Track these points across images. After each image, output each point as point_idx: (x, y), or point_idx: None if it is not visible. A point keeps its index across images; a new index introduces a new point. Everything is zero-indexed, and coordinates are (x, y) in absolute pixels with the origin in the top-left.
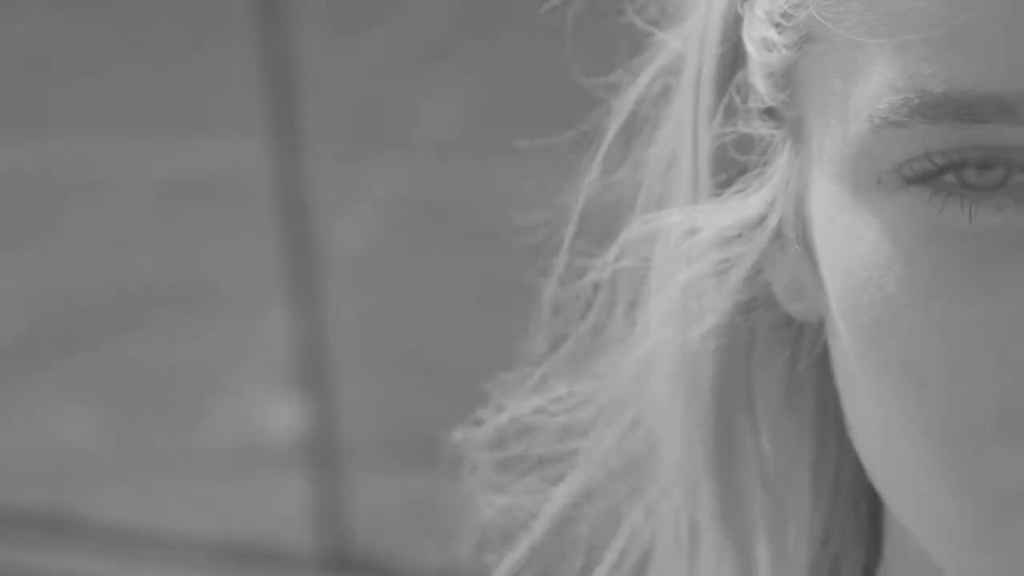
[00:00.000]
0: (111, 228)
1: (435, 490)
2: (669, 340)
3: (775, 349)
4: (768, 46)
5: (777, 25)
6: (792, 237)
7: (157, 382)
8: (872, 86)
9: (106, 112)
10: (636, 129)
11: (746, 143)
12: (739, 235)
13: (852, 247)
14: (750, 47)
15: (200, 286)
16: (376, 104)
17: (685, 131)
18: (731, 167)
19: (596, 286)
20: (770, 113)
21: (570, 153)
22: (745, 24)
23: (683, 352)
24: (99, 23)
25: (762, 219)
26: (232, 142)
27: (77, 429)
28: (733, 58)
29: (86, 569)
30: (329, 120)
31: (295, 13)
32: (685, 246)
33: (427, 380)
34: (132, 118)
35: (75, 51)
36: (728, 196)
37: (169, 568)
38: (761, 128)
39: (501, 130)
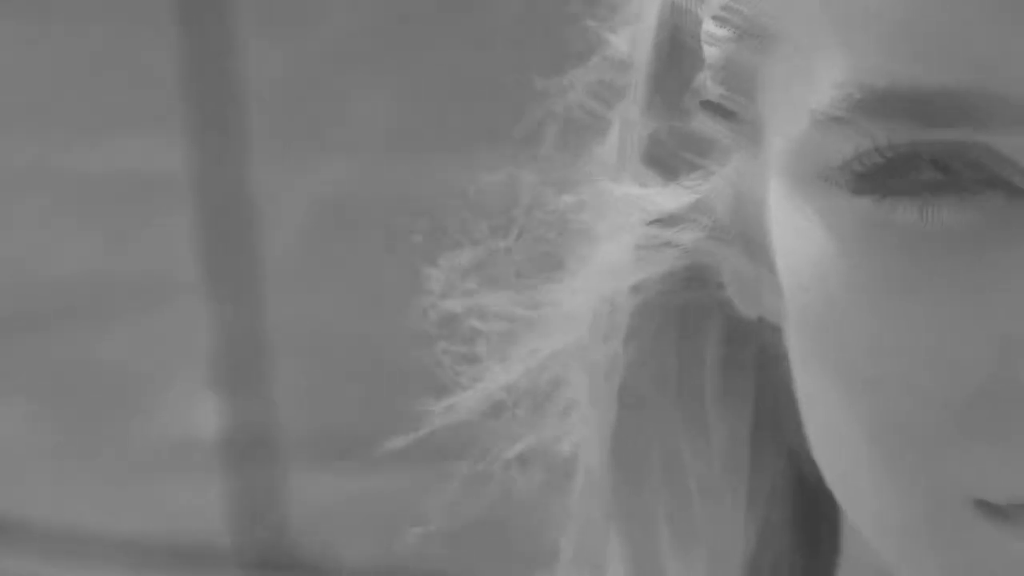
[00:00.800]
0: (38, 224)
1: (369, 488)
2: (585, 306)
3: (706, 341)
4: (710, 40)
5: (718, 19)
6: (732, 233)
7: (84, 380)
8: (816, 81)
9: (30, 108)
10: (583, 127)
11: (687, 139)
12: (674, 220)
13: (798, 246)
14: (691, 42)
15: (129, 283)
16: (309, 101)
17: (630, 129)
18: (670, 163)
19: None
20: (712, 108)
21: (508, 151)
22: (687, 18)
23: (596, 323)
24: (24, 18)
25: (698, 211)
26: (162, 139)
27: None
28: (675, 53)
29: (8, 569)
30: (261, 117)
31: (224, 9)
32: (620, 218)
33: (360, 377)
34: (58, 114)
35: None
36: (670, 184)
37: (96, 567)
38: (703, 124)
39: (435, 128)
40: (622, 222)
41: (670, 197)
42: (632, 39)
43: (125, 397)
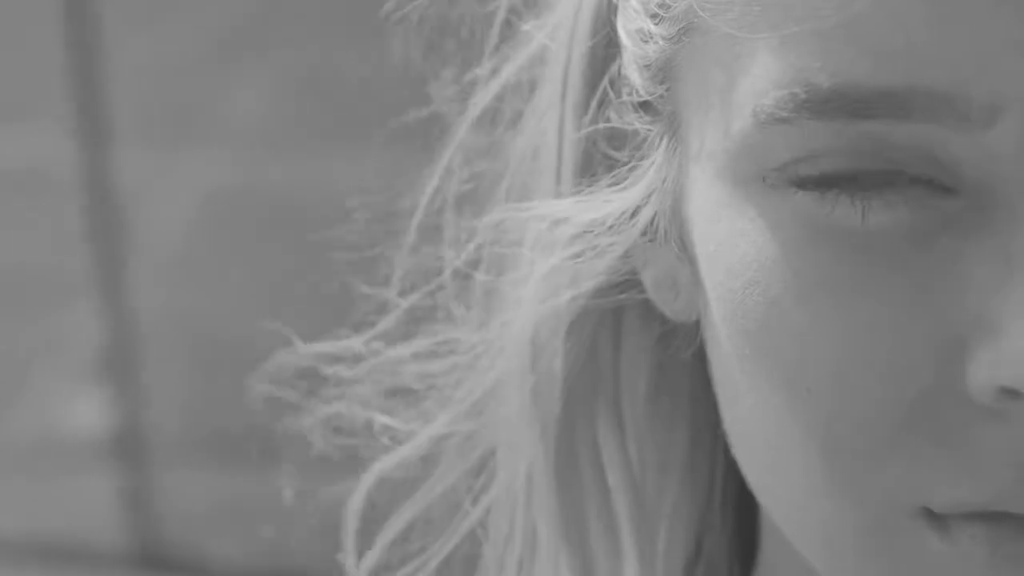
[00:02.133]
0: None
1: (247, 486)
2: (525, 323)
3: (642, 347)
4: (644, 37)
5: (654, 16)
6: (668, 236)
7: None
8: (756, 80)
9: None
10: (492, 120)
11: (618, 137)
12: (608, 228)
13: (736, 247)
14: (625, 38)
15: (4, 277)
16: (187, 95)
17: (550, 125)
18: (600, 162)
19: (451, 275)
20: (645, 107)
21: (389, 146)
22: (619, 14)
23: (537, 335)
24: None
25: (633, 214)
26: (39, 132)
27: None
28: (605, 50)
29: None
30: (139, 111)
31: (103, 3)
32: (549, 236)
33: (239, 375)
34: None
35: None
36: (598, 189)
37: None
38: (635, 122)
39: (314, 122)
40: (554, 237)
41: (605, 203)
42: (564, 37)
43: (4, 394)
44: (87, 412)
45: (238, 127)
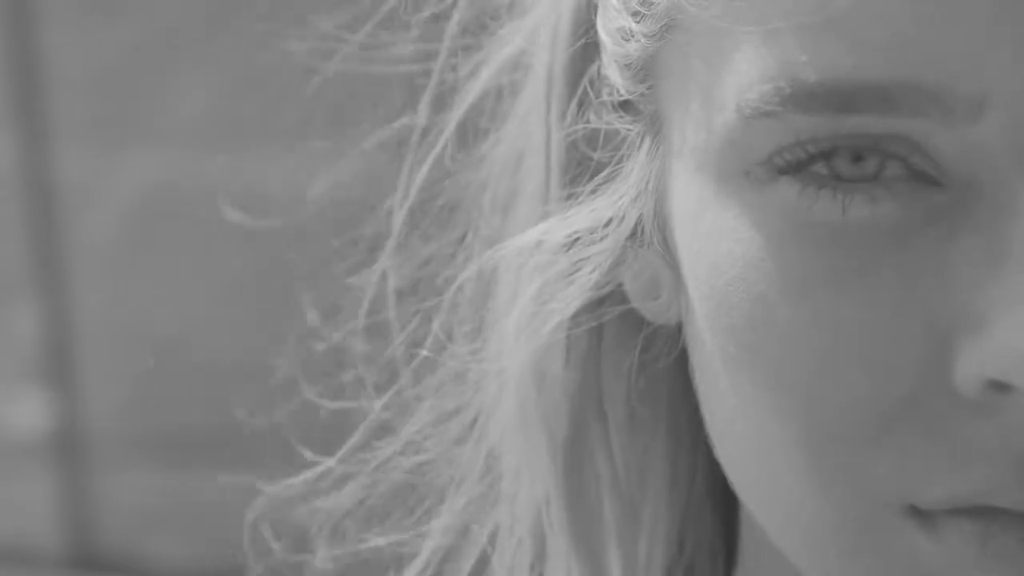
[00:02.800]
0: None
1: (185, 487)
2: (520, 349)
3: (625, 352)
4: (625, 36)
5: (636, 14)
6: (651, 236)
7: None
8: (740, 75)
9: None
10: (470, 129)
11: (600, 139)
12: (595, 236)
13: (719, 244)
14: (605, 38)
15: None
16: (127, 94)
17: (535, 128)
18: (584, 164)
19: (440, 295)
20: (626, 107)
21: (329, 147)
22: (600, 13)
23: (535, 360)
24: None
25: (618, 218)
26: None
27: None
28: (586, 50)
29: None
30: (76, 109)
31: (40, 1)
32: (535, 259)
33: (178, 375)
34: None
35: None
36: (583, 196)
37: None
38: (617, 123)
39: (254, 122)
40: (543, 255)
41: (590, 212)
42: (545, 40)
43: None
44: (25, 412)
45: (178, 126)
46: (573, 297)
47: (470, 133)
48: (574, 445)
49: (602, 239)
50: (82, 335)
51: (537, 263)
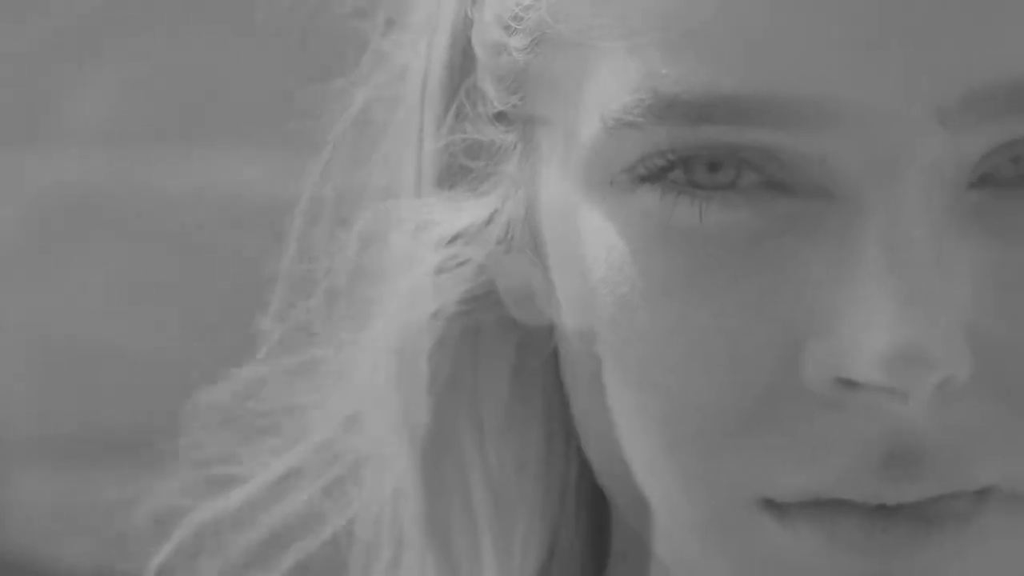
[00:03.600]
0: None
1: (92, 489)
2: (390, 337)
3: (501, 351)
4: (498, 49)
5: (507, 28)
6: (521, 241)
7: None
8: (605, 87)
9: None
10: (359, 133)
11: (476, 149)
12: (467, 236)
13: (586, 248)
14: (479, 51)
15: None
16: (28, 92)
17: (410, 138)
18: (459, 174)
19: (320, 279)
20: (499, 117)
21: (248, 149)
22: (475, 28)
23: (402, 350)
24: None
25: (489, 222)
26: None
27: None
28: (463, 63)
29: None
30: None
31: None
32: (410, 249)
33: (81, 377)
34: None
35: None
36: (459, 197)
37: None
38: (492, 133)
39: (158, 121)
40: (415, 251)
41: (463, 213)
42: (422, 52)
43: None
44: None
45: (79, 125)
46: (446, 295)
47: (363, 142)
48: (435, 441)
49: (473, 241)
50: None
51: (410, 255)
